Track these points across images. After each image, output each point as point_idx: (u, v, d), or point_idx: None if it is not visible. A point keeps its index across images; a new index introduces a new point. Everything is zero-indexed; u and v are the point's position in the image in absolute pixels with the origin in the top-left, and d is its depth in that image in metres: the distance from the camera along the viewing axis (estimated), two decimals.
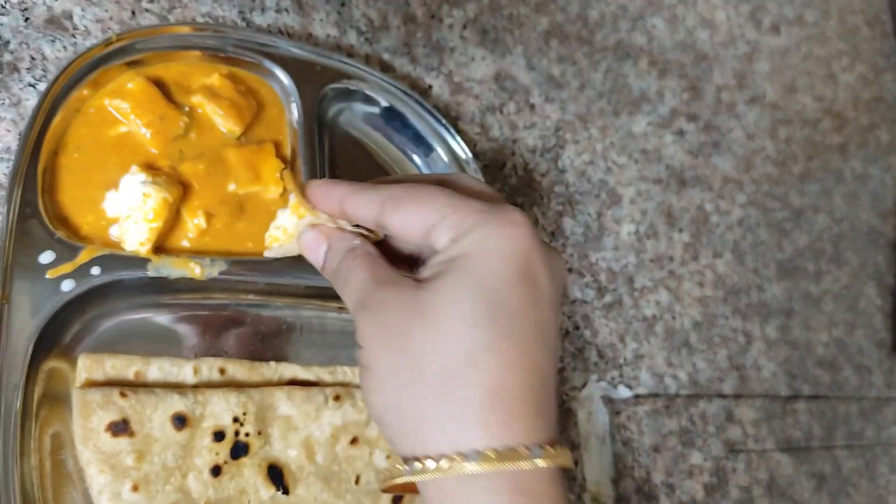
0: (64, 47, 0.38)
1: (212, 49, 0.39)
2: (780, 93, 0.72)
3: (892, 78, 0.87)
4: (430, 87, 0.49)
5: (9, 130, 0.36)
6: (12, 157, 0.36)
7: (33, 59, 0.37)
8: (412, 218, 0.27)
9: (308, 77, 0.41)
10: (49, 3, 0.38)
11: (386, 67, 0.48)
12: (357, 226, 0.30)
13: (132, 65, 0.38)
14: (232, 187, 0.38)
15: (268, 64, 0.40)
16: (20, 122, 0.37)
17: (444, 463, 0.22)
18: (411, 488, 0.24)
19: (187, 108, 0.38)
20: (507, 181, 0.51)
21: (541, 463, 0.22)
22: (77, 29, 0.38)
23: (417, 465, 0.23)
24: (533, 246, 0.25)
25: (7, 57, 0.37)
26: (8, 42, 0.37)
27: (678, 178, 0.61)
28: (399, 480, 0.24)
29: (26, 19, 0.38)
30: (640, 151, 0.59)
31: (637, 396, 0.53)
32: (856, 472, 0.66)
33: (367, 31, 0.48)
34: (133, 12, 0.40)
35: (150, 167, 0.36)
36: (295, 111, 0.41)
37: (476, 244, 0.25)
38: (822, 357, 0.67)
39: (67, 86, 0.36)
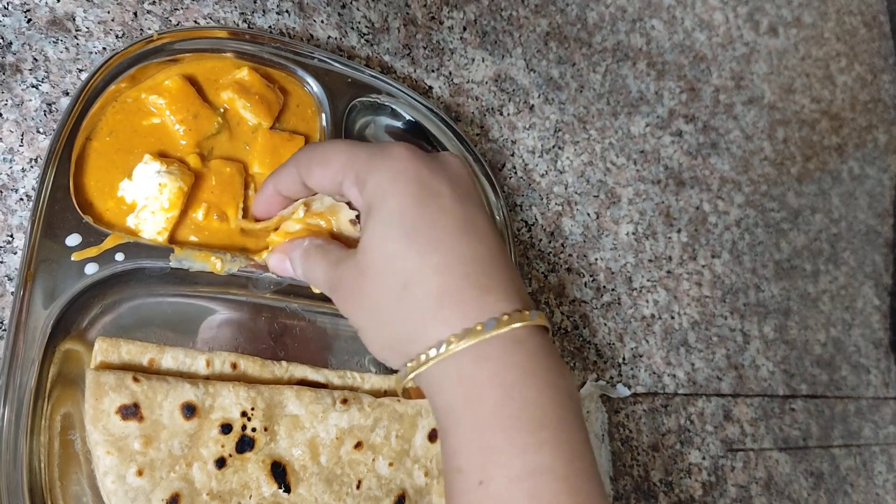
0: (66, 49, 0.38)
1: (248, 55, 0.40)
2: (778, 94, 0.72)
3: (889, 79, 0.87)
4: (431, 88, 0.50)
5: (11, 131, 0.36)
6: (14, 158, 0.36)
7: (36, 60, 0.38)
8: (323, 179, 0.32)
9: (339, 89, 0.42)
10: (51, 5, 0.38)
11: (386, 69, 0.48)
12: (310, 222, 0.35)
13: (170, 62, 0.39)
14: (256, 169, 0.39)
15: (301, 73, 0.41)
16: (23, 122, 0.37)
17: (431, 352, 0.28)
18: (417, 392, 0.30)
19: (221, 110, 0.39)
20: (507, 181, 0.52)
21: (497, 331, 0.27)
22: (79, 30, 0.39)
23: (422, 356, 0.28)
24: (420, 168, 0.30)
25: (10, 58, 0.37)
26: (10, 43, 0.37)
27: (676, 178, 0.61)
28: (411, 375, 0.29)
29: (29, 21, 0.38)
30: (639, 152, 0.59)
31: (635, 395, 0.53)
32: (853, 471, 0.66)
33: (368, 32, 0.48)
34: (135, 14, 0.40)
35: (163, 155, 0.37)
36: (323, 120, 0.42)
37: (375, 190, 0.30)
38: (820, 356, 0.68)
39: (107, 78, 0.37)
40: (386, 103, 0.44)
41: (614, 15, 0.61)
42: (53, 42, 0.38)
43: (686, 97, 0.64)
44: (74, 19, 0.39)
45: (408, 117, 0.45)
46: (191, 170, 0.37)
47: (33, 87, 0.37)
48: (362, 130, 0.45)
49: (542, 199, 0.53)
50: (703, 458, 0.55)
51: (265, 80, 0.40)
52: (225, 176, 0.38)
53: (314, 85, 0.42)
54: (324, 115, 0.41)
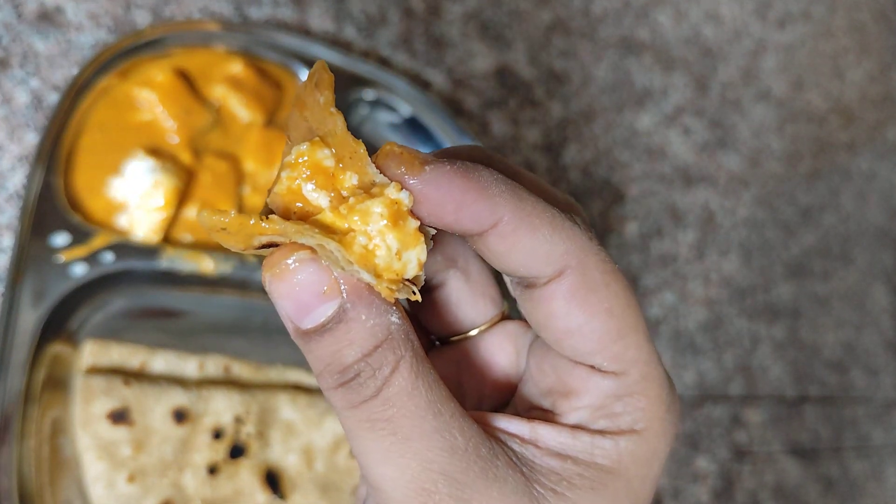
0: (57, 42, 0.37)
1: (242, 48, 0.40)
2: (786, 89, 0.71)
3: None
4: (430, 82, 0.49)
5: None
6: (2, 155, 0.35)
7: (25, 54, 0.37)
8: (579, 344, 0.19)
9: (336, 83, 0.41)
10: None
11: (385, 63, 0.47)
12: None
13: (161, 57, 0.38)
14: (250, 167, 0.38)
15: (297, 67, 0.41)
16: (11, 118, 0.36)
17: None
18: None
19: (216, 106, 0.38)
20: None
21: None
22: (70, 24, 0.38)
23: None
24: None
25: None
26: (0, 38, 0.36)
27: (683, 175, 0.60)
28: None
29: (18, 15, 0.37)
30: (645, 148, 0.58)
31: None
32: (864, 475, 0.65)
33: (366, 25, 0.47)
34: (127, 7, 0.39)
35: (156, 152, 0.36)
36: None
37: (639, 458, 0.19)
38: (830, 359, 0.66)
39: (97, 72, 0.36)
40: (385, 98, 0.43)
41: (619, 8, 0.60)
42: (43, 36, 0.37)
43: (693, 92, 0.63)
44: (65, 13, 0.38)
45: (407, 112, 0.44)
46: (184, 167, 0.36)
47: (22, 82, 0.36)
48: (361, 126, 0.44)
49: None
50: (711, 464, 0.54)
51: (260, 74, 0.39)
52: (219, 173, 0.37)
53: None
54: None
